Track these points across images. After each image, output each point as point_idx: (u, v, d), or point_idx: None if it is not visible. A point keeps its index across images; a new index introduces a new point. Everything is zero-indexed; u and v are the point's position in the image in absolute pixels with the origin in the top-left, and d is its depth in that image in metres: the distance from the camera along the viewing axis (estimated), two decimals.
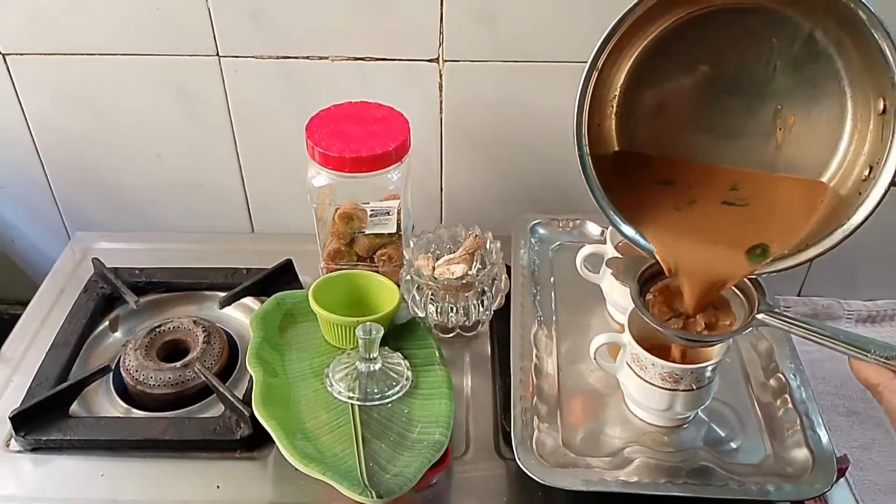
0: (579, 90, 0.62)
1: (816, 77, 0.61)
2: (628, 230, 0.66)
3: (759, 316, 0.62)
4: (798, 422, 0.70)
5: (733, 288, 0.65)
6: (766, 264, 0.62)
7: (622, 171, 0.67)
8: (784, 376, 0.74)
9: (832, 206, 0.61)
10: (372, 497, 0.63)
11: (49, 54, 0.89)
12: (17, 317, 0.89)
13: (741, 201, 0.65)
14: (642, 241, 0.66)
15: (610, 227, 0.80)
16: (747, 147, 0.65)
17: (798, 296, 1.07)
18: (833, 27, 0.58)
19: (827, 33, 0.59)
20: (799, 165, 0.64)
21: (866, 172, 0.59)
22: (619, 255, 0.75)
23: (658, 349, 0.68)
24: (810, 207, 0.62)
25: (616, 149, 0.68)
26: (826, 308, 1.06)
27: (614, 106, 0.66)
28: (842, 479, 0.69)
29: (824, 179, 0.63)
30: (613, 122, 0.67)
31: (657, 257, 0.64)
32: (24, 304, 0.91)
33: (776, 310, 0.62)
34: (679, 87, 0.65)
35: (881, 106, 0.57)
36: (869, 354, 0.56)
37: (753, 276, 0.63)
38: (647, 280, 0.68)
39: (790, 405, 0.72)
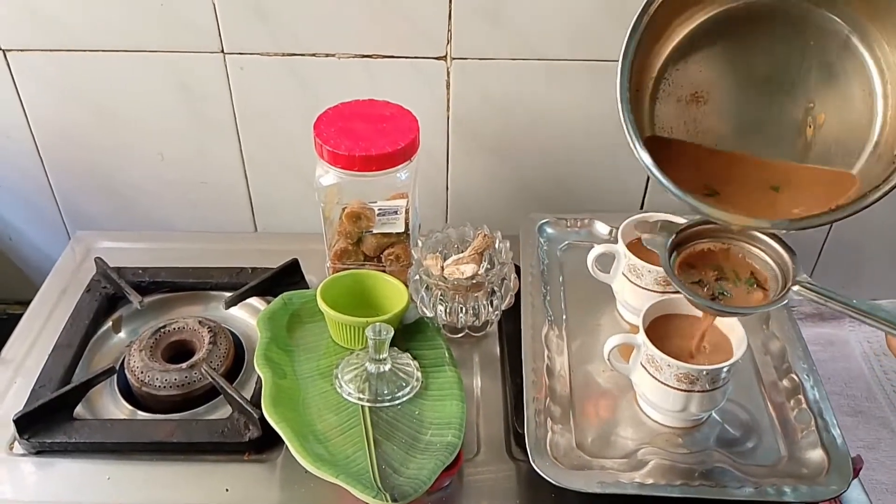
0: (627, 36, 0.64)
1: (850, 79, 0.63)
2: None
3: (795, 288, 0.62)
4: (812, 422, 0.70)
5: (769, 260, 0.66)
6: (798, 220, 0.62)
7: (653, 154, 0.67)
8: (797, 376, 0.74)
9: (860, 189, 0.63)
10: (386, 500, 0.62)
11: (50, 50, 0.88)
12: (17, 316, 0.88)
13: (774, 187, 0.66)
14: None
15: (620, 227, 0.80)
16: (776, 142, 0.66)
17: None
18: (869, 28, 0.61)
19: (863, 38, 0.61)
20: (828, 160, 0.65)
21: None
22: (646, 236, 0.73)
23: (671, 344, 0.67)
24: (839, 193, 0.63)
25: (648, 133, 0.69)
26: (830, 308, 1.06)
27: (650, 88, 0.68)
28: (855, 480, 0.69)
29: (854, 172, 0.64)
30: (647, 104, 0.68)
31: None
32: (24, 303, 0.90)
33: (811, 283, 0.62)
34: (714, 79, 0.67)
35: None
36: None
37: (791, 250, 0.64)
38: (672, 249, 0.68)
39: (804, 405, 0.72)
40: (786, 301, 0.63)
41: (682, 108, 0.68)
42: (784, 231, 0.64)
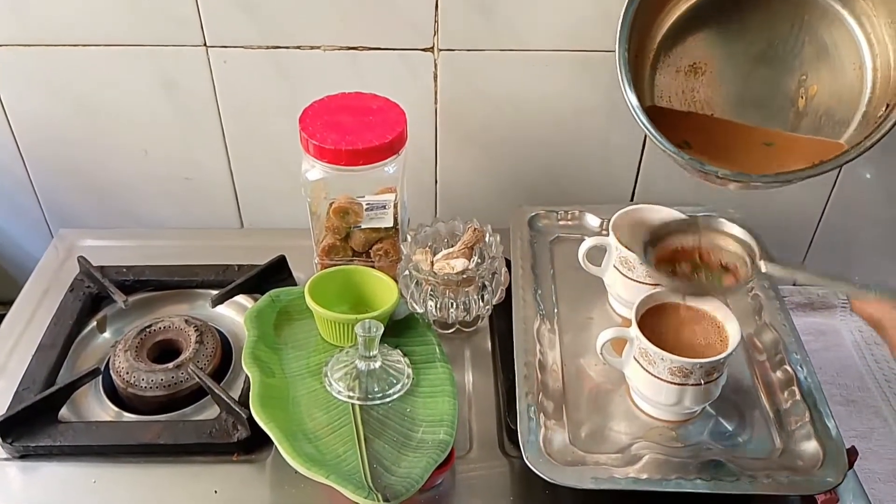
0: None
1: (841, 53, 0.67)
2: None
3: (763, 266, 0.67)
4: (807, 414, 0.69)
5: (737, 250, 0.70)
6: (783, 174, 0.68)
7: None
8: (791, 368, 0.73)
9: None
10: (378, 500, 0.61)
11: (29, 45, 0.86)
12: None
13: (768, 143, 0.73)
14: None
15: (611, 220, 0.79)
16: (770, 112, 0.72)
17: (794, 285, 1.07)
18: (859, 3, 0.66)
19: (853, 12, 0.66)
20: (819, 130, 0.71)
21: (882, 111, 0.67)
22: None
23: (664, 337, 0.67)
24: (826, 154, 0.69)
25: (649, 103, 0.75)
26: (821, 298, 1.06)
27: (651, 57, 0.74)
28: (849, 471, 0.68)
29: (843, 141, 0.70)
30: (647, 71, 0.74)
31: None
32: (6, 303, 0.89)
33: (776, 260, 0.67)
34: (711, 52, 0.72)
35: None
36: (871, 292, 0.60)
37: (755, 235, 0.69)
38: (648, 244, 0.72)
39: (798, 397, 0.71)
40: (752, 279, 0.69)
41: (681, 78, 0.72)
42: (769, 186, 0.69)
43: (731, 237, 0.71)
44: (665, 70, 0.73)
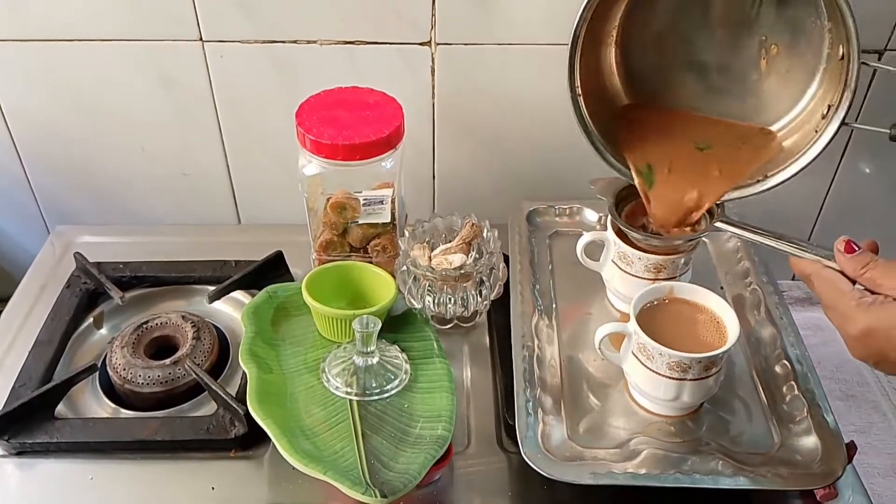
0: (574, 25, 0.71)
1: (798, 15, 0.70)
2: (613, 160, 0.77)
3: (717, 224, 0.72)
4: (805, 409, 0.69)
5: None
6: (730, 191, 0.74)
7: (625, 121, 0.79)
8: (790, 363, 0.73)
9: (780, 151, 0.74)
10: (375, 496, 0.61)
11: (24, 40, 0.86)
12: None
13: (706, 146, 0.77)
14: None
15: (609, 216, 0.79)
16: (734, 78, 0.76)
17: (793, 279, 1.07)
18: None
19: None
20: (777, 97, 0.75)
21: (824, 111, 0.70)
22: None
23: (663, 332, 0.67)
24: (763, 153, 0.75)
25: (625, 102, 0.80)
26: None
27: (614, 35, 0.77)
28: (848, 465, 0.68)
29: (791, 115, 0.75)
30: (613, 49, 0.78)
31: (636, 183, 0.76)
32: (3, 300, 0.88)
33: (730, 218, 0.73)
34: (673, 21, 0.75)
35: (840, 53, 0.67)
36: (808, 252, 0.64)
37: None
38: (620, 202, 0.78)
39: (796, 392, 0.71)
40: (706, 232, 0.74)
41: (646, 50, 0.77)
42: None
43: None
44: (629, 41, 0.77)
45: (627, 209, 0.78)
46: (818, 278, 0.62)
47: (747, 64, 0.74)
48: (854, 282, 0.60)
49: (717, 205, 0.74)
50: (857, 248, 0.61)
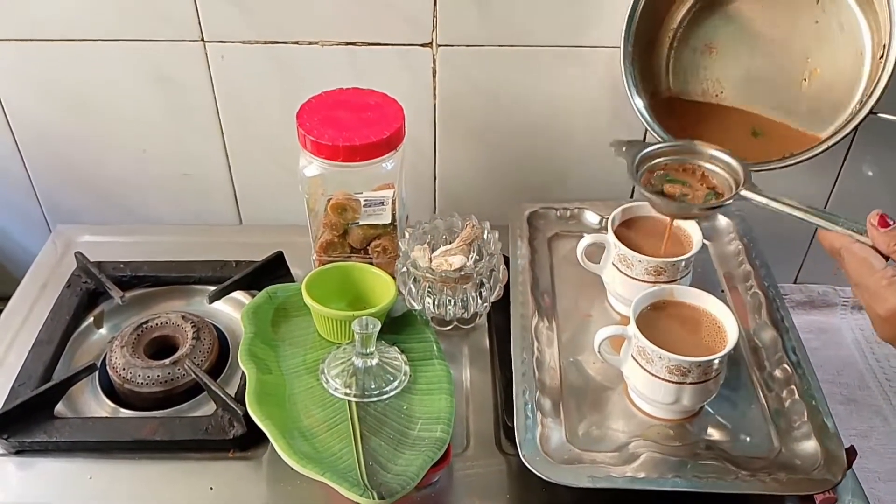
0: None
1: (845, 37, 0.74)
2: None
3: (743, 192, 0.70)
4: (805, 413, 0.69)
5: (726, 175, 0.74)
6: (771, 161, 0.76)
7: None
8: (790, 366, 0.73)
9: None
10: (373, 498, 0.61)
11: (25, 40, 0.86)
12: None
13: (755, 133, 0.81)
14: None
15: (610, 217, 0.79)
16: (775, 90, 0.79)
17: (794, 283, 1.07)
18: None
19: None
20: (818, 110, 0.78)
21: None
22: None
23: (663, 335, 0.67)
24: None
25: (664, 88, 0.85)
26: (822, 295, 1.05)
27: (667, 44, 0.83)
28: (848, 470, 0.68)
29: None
30: (666, 50, 0.83)
31: None
32: (3, 299, 0.88)
33: (757, 188, 0.70)
34: (726, 30, 0.80)
35: (880, 54, 0.71)
36: (837, 225, 0.61)
37: (743, 163, 0.73)
38: (640, 164, 0.76)
39: (797, 396, 0.70)
40: (731, 201, 0.71)
41: (697, 56, 0.82)
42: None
43: (720, 162, 0.75)
44: (681, 49, 0.82)
45: (646, 175, 0.76)
46: (848, 253, 0.58)
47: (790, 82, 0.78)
48: (887, 258, 0.57)
49: (744, 174, 0.72)
50: (891, 223, 0.57)
